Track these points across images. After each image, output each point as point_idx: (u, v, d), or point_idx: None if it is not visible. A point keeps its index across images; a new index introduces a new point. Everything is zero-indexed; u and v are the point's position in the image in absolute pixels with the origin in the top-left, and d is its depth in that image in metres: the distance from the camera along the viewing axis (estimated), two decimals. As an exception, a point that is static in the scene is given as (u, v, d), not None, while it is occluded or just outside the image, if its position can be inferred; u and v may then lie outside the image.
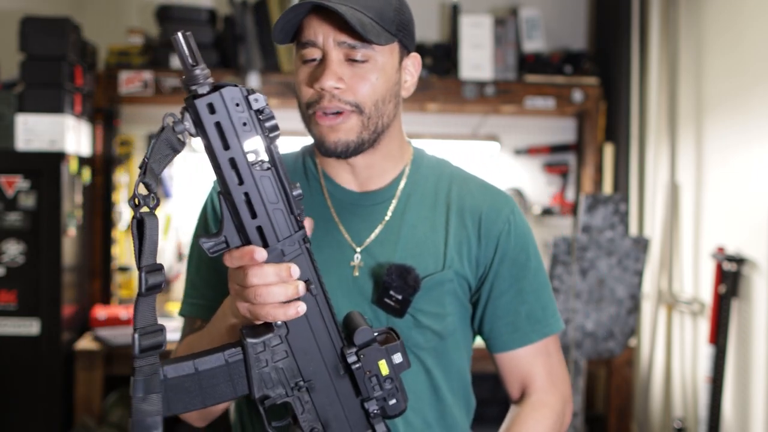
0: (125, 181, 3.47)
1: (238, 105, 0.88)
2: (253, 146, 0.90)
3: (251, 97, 0.88)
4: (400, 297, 1.16)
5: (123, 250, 3.50)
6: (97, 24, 3.47)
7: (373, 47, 1.12)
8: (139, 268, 0.85)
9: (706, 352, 2.81)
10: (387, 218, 1.22)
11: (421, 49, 3.35)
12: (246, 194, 0.90)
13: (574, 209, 3.67)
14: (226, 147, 0.88)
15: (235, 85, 0.88)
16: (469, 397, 1.29)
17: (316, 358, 0.97)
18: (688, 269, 3.15)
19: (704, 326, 2.98)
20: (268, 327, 0.95)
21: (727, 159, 2.90)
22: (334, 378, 0.99)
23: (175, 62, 3.27)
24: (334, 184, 1.24)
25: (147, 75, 3.26)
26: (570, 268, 2.79)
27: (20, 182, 2.89)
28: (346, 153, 1.15)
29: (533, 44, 3.51)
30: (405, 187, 1.24)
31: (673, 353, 3.25)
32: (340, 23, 1.09)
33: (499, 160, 3.71)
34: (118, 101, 3.37)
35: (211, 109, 0.87)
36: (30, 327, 2.89)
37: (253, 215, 0.90)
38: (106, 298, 3.40)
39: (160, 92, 3.26)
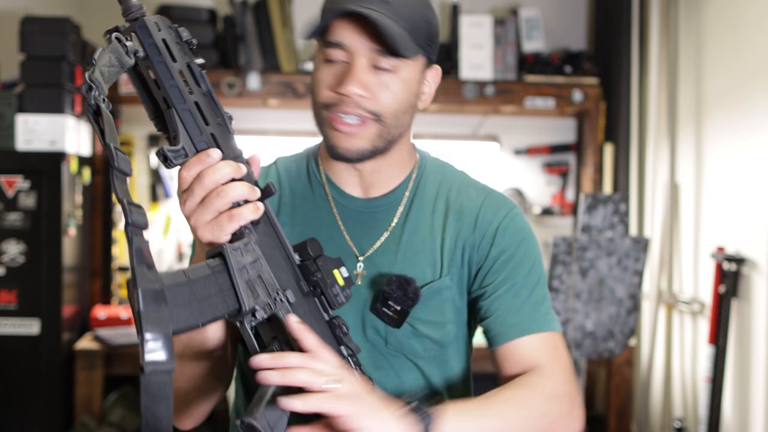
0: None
1: (169, 27, 0.97)
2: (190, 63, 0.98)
3: (179, 28, 0.98)
4: (399, 308, 1.15)
5: (123, 250, 3.50)
6: (97, 24, 3.47)
7: (401, 58, 1.11)
8: (106, 144, 0.86)
9: (706, 352, 2.81)
10: (391, 227, 1.21)
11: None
12: (196, 103, 0.95)
13: (574, 209, 3.67)
14: (174, 59, 0.94)
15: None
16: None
17: (285, 268, 1.00)
18: (688, 269, 3.15)
19: (704, 326, 2.98)
20: (238, 235, 0.97)
21: (727, 159, 2.90)
22: (302, 296, 1.01)
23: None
24: (338, 191, 1.22)
25: (147, 75, 3.26)
26: (570, 268, 2.79)
27: (20, 182, 2.89)
28: (359, 159, 1.14)
29: (533, 44, 3.51)
30: (409, 193, 1.23)
31: (673, 353, 3.25)
32: (373, 30, 1.08)
33: (499, 160, 3.72)
34: (118, 101, 3.37)
35: (157, 27, 0.95)
36: (30, 327, 2.89)
37: (206, 122, 0.95)
38: (106, 298, 3.40)
39: (160, 92, 3.26)
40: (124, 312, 3.22)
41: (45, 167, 2.89)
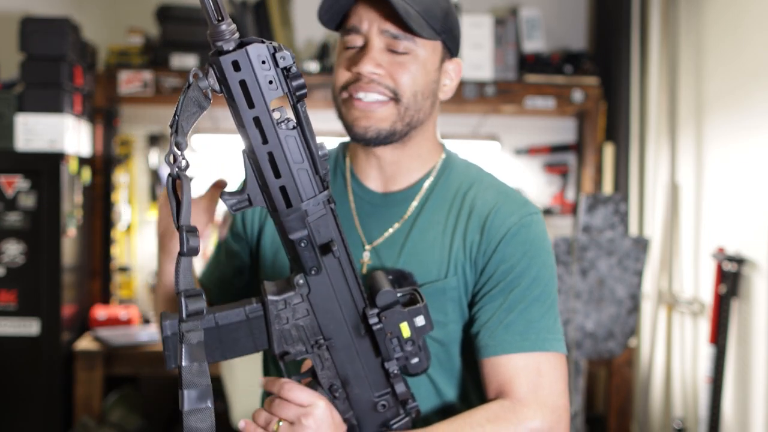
0: (125, 181, 3.47)
1: (264, 62, 0.86)
2: (279, 105, 0.89)
3: (278, 55, 0.86)
4: None
5: (123, 250, 3.50)
6: (97, 24, 3.47)
7: (415, 41, 1.12)
8: (179, 228, 0.82)
9: (706, 352, 2.81)
10: (402, 220, 1.21)
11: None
12: (270, 153, 0.88)
13: (574, 209, 3.67)
14: (251, 105, 0.86)
15: (262, 42, 0.86)
16: (483, 396, 1.21)
17: (338, 318, 0.98)
18: (688, 269, 3.15)
19: (704, 326, 2.98)
20: (289, 285, 0.96)
21: (727, 159, 2.90)
22: (355, 337, 1.00)
23: (175, 62, 3.26)
24: (359, 183, 1.24)
25: (147, 75, 3.26)
26: (570, 268, 2.79)
27: (20, 182, 2.89)
28: (376, 140, 1.14)
29: (533, 44, 3.51)
30: (427, 189, 1.23)
31: (673, 353, 3.25)
32: (386, 12, 1.10)
33: (499, 160, 3.71)
34: (117, 101, 3.37)
35: (236, 66, 0.85)
36: (30, 327, 2.88)
37: (277, 175, 0.89)
38: (105, 298, 3.40)
39: (159, 92, 3.26)
40: (124, 312, 3.22)
41: (44, 167, 2.88)
